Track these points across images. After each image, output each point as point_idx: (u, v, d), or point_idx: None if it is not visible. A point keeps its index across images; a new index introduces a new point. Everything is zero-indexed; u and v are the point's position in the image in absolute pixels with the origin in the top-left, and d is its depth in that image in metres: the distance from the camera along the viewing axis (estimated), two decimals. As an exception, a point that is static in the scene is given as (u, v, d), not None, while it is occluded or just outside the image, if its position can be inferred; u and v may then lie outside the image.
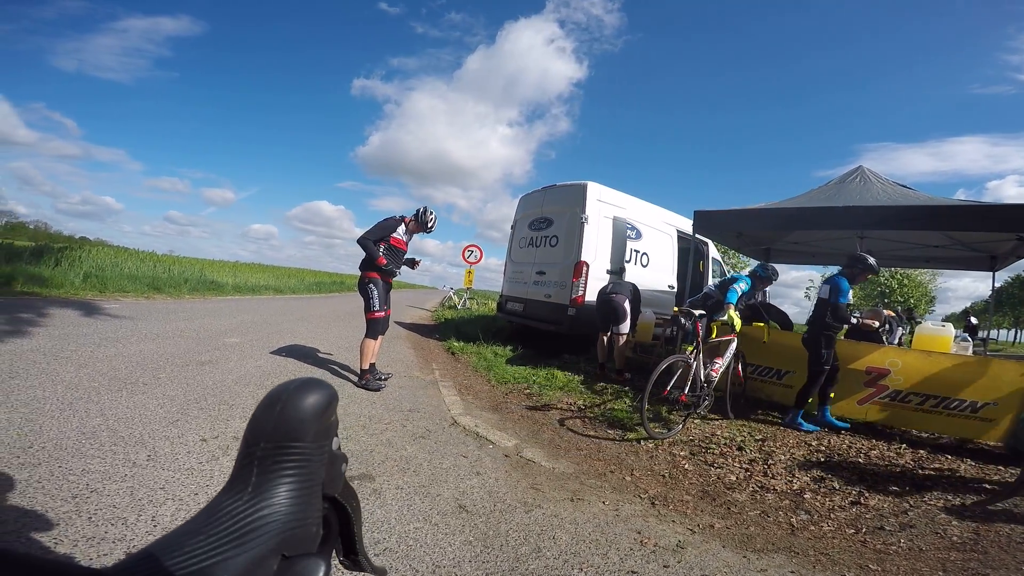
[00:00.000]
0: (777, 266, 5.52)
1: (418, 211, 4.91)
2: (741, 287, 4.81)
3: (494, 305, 11.24)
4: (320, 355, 5.91)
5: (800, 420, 4.42)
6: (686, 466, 3.49)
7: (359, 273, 4.76)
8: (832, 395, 4.56)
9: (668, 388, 4.07)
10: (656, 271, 8.06)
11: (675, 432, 4.07)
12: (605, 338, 6.19)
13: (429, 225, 4.92)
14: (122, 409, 3.16)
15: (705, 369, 4.33)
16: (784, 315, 5.96)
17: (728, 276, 5.26)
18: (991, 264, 7.34)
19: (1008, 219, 4.88)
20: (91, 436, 2.68)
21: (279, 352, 5.68)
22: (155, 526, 1.94)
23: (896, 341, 10.16)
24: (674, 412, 4.33)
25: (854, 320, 4.53)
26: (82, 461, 2.38)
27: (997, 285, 8.21)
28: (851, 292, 4.53)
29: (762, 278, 5.11)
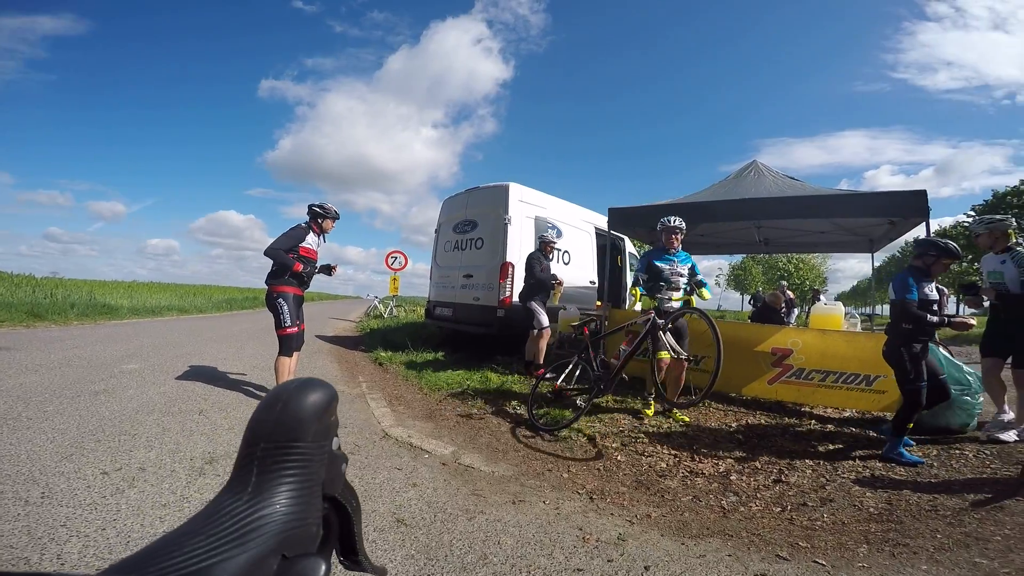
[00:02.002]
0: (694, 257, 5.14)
1: (313, 209, 4.67)
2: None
3: (423, 311, 11.07)
4: (232, 376, 5.50)
5: (902, 451, 3.61)
6: (619, 457, 3.58)
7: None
8: (911, 426, 3.68)
9: (558, 384, 4.52)
10: (577, 268, 8.28)
11: (574, 419, 4.08)
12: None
13: (334, 211, 4.75)
14: (4, 447, 2.83)
15: (604, 357, 4.65)
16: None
17: None
18: (870, 246, 8.20)
19: (880, 205, 5.47)
20: (-29, 476, 2.36)
21: (186, 376, 5.23)
22: (62, 564, 1.80)
23: (793, 321, 11.07)
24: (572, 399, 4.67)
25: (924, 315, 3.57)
26: (-35, 503, 2.09)
27: (877, 264, 9.18)
28: (932, 285, 3.69)
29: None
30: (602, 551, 2.27)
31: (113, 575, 0.27)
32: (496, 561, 2.12)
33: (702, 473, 3.34)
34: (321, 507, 0.37)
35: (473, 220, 7.81)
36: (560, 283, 6.23)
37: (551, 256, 6.49)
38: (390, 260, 14.99)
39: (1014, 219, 4.37)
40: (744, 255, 41.37)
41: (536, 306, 6.08)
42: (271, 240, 4.48)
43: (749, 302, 10.95)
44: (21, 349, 6.13)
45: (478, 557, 2.14)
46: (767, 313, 9.11)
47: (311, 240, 4.57)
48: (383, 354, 7.52)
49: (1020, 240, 4.22)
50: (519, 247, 7.07)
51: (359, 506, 0.43)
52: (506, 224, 7.02)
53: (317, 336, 10.07)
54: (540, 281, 6.13)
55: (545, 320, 6.06)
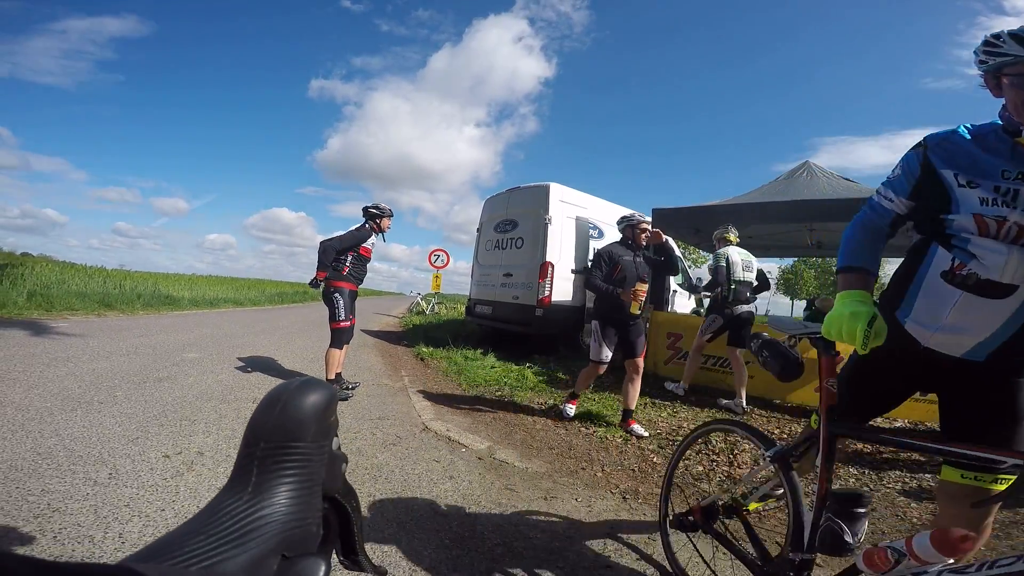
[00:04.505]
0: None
1: (370, 211, 4.84)
2: None
3: (463, 309, 11.25)
4: (284, 366, 5.79)
5: None
6: (655, 459, 3.56)
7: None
8: None
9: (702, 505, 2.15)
10: (620, 269, 8.20)
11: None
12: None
13: (388, 209, 4.91)
14: (77, 428, 3.06)
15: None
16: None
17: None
18: (931, 251, 7.77)
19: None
20: (47, 456, 2.59)
21: (241, 366, 5.54)
22: (123, 543, 1.91)
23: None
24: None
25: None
26: (40, 481, 2.31)
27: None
28: None
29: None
30: (632, 549, 2.28)
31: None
32: (526, 555, 2.17)
33: (740, 479, 3.28)
34: (321, 507, 0.38)
35: (514, 220, 7.89)
36: (624, 292, 3.96)
37: (642, 248, 4.24)
38: (433, 258, 15.27)
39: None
40: (795, 258, 40.19)
41: (595, 327, 4.22)
42: (320, 236, 4.67)
43: (804, 309, 10.60)
44: (94, 336, 6.62)
45: (508, 550, 2.19)
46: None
47: (371, 241, 4.77)
48: (425, 349, 7.71)
49: None
50: (559, 247, 7.09)
51: (359, 506, 0.44)
52: (546, 224, 7.06)
53: (363, 331, 10.39)
54: (597, 292, 4.18)
55: (600, 353, 4.16)
